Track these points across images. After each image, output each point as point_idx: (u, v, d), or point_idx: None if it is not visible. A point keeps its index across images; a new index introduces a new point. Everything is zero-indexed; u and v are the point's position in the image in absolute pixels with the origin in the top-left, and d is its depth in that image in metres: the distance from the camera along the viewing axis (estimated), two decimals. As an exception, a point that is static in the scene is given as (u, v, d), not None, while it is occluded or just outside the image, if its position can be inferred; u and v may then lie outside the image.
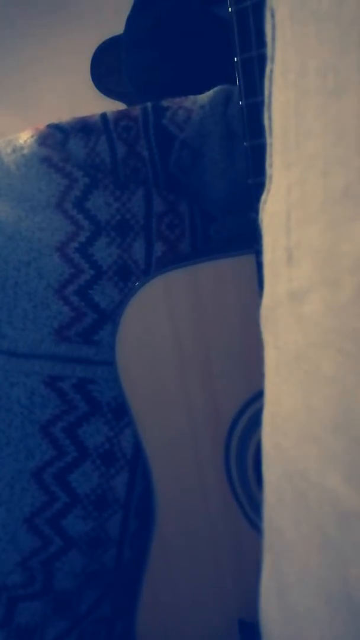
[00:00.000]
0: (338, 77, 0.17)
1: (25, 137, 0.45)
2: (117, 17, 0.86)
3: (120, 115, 0.45)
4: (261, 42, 0.28)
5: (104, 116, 0.45)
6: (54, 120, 0.47)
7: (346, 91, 0.17)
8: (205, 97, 0.46)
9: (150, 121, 0.45)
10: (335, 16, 0.17)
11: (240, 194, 0.31)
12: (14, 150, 0.44)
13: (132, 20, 0.82)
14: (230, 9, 0.28)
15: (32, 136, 0.45)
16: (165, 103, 0.46)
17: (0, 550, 0.42)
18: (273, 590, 0.24)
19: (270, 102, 0.22)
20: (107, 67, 1.29)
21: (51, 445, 0.42)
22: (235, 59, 0.29)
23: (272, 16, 0.21)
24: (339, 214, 0.18)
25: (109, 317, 0.43)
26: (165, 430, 0.42)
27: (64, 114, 0.49)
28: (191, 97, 0.47)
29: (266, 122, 0.23)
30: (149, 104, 0.46)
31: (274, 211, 0.23)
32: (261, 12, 0.27)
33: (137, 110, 0.46)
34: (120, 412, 0.44)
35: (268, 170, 0.23)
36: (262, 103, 0.29)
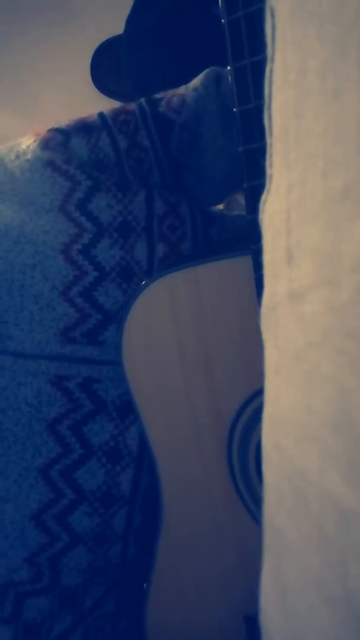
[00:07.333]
0: (338, 77, 0.17)
1: (27, 143, 0.46)
2: (117, 17, 0.87)
3: (117, 111, 0.47)
4: (253, 50, 0.29)
5: (101, 114, 0.46)
6: (54, 120, 0.47)
7: (346, 91, 0.17)
8: (196, 80, 0.48)
9: (148, 112, 0.46)
10: (335, 16, 0.17)
11: (240, 169, 0.32)
12: (17, 157, 0.45)
13: (132, 20, 0.83)
14: (222, 20, 0.29)
15: (34, 141, 0.45)
16: (158, 95, 0.48)
17: (8, 546, 0.42)
18: (273, 590, 0.24)
19: (270, 102, 0.22)
20: (107, 67, 1.29)
21: (58, 443, 0.43)
22: (228, 67, 0.30)
23: (272, 16, 0.21)
24: (339, 214, 0.18)
25: (113, 318, 0.43)
26: (170, 427, 0.42)
27: (64, 114, 0.49)
28: (182, 86, 0.48)
29: (266, 122, 0.23)
30: (142, 99, 0.47)
31: (274, 211, 0.23)
32: (252, 22, 0.28)
33: (132, 106, 0.47)
34: (125, 410, 0.44)
35: (268, 170, 0.23)
36: (255, 109, 0.29)
